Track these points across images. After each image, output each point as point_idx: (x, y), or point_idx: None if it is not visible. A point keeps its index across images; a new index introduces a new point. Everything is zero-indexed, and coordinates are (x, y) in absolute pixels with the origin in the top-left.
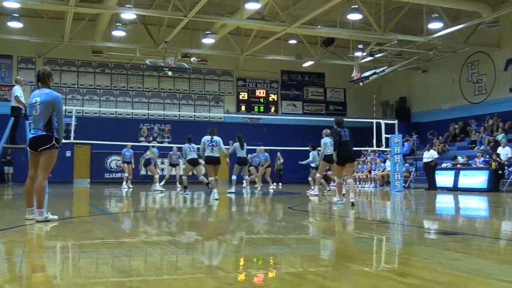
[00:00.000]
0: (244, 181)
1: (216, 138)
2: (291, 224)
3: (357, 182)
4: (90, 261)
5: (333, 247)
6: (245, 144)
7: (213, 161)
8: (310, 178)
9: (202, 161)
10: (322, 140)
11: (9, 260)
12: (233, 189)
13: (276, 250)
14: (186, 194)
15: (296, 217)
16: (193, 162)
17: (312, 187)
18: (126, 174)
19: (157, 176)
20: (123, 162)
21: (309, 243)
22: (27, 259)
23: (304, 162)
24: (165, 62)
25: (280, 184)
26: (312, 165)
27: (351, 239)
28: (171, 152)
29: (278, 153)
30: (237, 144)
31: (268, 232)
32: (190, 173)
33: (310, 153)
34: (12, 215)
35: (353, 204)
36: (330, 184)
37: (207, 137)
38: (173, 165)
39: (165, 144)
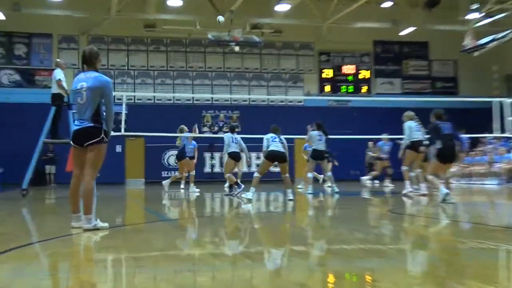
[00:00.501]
0: (327, 179)
1: (281, 137)
2: (392, 231)
3: (466, 177)
4: (147, 277)
5: (447, 259)
6: (327, 133)
7: (278, 156)
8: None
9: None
10: (406, 124)
11: (53, 276)
12: (310, 190)
13: (374, 264)
14: (232, 194)
15: (398, 222)
16: (234, 156)
17: (416, 185)
18: (192, 173)
19: (185, 175)
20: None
21: (416, 255)
22: (74, 275)
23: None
24: (231, 35)
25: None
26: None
27: (470, 250)
28: None
29: (370, 142)
30: (314, 133)
31: (363, 241)
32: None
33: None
34: (55, 222)
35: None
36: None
37: (271, 134)
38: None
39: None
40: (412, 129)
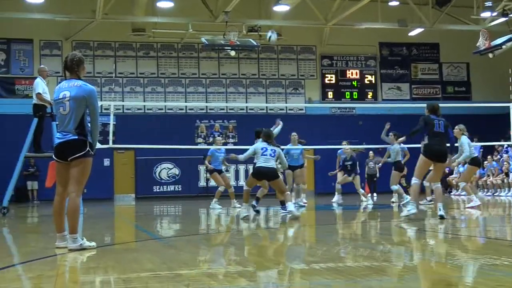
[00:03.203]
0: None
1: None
2: (399, 247)
3: (485, 190)
4: None
5: (451, 278)
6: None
7: (264, 174)
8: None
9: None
10: (465, 139)
11: None
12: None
13: (379, 283)
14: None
15: (406, 238)
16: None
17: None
18: (220, 188)
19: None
20: (214, 170)
21: (419, 272)
22: None
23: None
24: (226, 39)
25: (375, 194)
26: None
27: (484, 267)
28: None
29: (371, 152)
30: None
31: (368, 258)
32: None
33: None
34: (39, 242)
35: (442, 217)
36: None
37: (262, 144)
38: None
39: (230, 146)
40: (470, 145)
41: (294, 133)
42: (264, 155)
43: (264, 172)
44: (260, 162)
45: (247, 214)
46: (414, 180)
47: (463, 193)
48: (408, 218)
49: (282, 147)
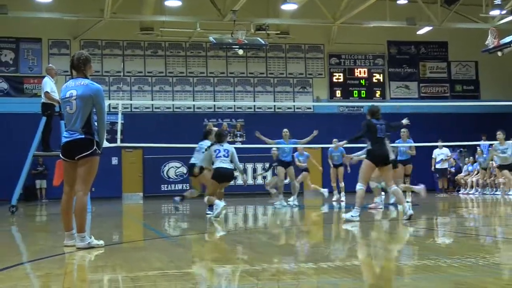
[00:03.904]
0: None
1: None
2: (407, 246)
3: (494, 188)
4: None
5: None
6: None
7: (226, 176)
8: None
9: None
10: None
11: None
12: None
13: (387, 282)
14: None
15: (413, 237)
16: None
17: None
18: (286, 180)
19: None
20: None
21: (427, 272)
22: None
23: None
24: (234, 37)
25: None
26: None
27: (492, 266)
28: None
29: None
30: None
31: (376, 257)
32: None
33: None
34: (47, 241)
35: (410, 217)
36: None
37: (215, 146)
38: None
39: (238, 145)
40: None
41: (285, 130)
42: (219, 156)
43: (225, 173)
44: (218, 164)
45: (219, 212)
46: (359, 186)
47: (472, 191)
48: (414, 217)
49: (275, 141)
